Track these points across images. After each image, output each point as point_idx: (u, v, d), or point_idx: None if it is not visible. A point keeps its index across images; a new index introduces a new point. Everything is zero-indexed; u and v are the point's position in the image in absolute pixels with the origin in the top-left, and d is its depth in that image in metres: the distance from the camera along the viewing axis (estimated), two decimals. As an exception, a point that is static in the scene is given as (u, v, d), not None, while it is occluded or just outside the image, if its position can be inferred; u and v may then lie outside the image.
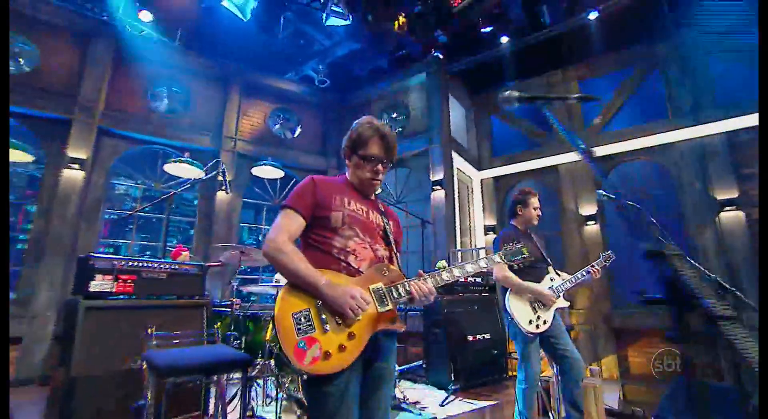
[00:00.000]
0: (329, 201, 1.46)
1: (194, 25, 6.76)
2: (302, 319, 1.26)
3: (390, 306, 1.37)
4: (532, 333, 2.68)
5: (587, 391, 3.77)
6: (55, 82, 5.18)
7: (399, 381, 4.07)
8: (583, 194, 6.20)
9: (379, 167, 1.53)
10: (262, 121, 6.87)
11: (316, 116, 7.49)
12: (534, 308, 2.75)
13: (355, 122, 1.60)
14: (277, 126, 6.96)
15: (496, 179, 7.17)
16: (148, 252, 6.61)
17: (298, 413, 2.79)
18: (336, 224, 1.43)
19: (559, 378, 2.96)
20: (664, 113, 5.90)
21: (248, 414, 2.80)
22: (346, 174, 1.64)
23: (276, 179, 6.53)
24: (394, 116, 6.89)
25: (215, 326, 2.85)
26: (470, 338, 3.95)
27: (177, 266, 3.25)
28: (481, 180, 7.20)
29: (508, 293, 2.80)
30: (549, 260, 3.04)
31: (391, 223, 1.62)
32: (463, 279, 4.26)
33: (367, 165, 1.53)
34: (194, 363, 1.73)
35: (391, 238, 1.57)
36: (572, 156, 6.33)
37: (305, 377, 1.34)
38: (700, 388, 1.94)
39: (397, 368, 3.78)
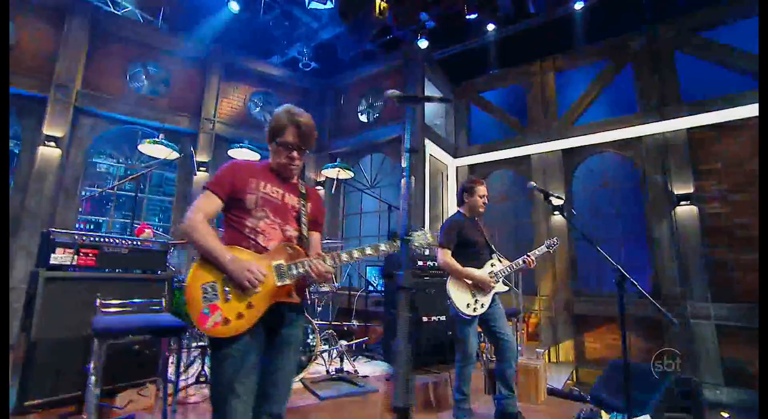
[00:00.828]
0: (245, 184, 1.59)
1: (176, 4, 6.76)
2: (209, 289, 1.43)
3: (288, 281, 1.52)
4: (469, 316, 2.87)
5: (528, 371, 4.03)
6: (30, 59, 5.23)
7: (356, 357, 4.31)
8: (552, 185, 6.38)
9: (294, 153, 1.63)
10: (242, 103, 6.94)
11: (297, 100, 7.55)
12: (473, 293, 2.94)
13: (276, 109, 1.71)
14: (257, 109, 7.03)
15: (472, 167, 7.32)
16: (128, 230, 6.75)
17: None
18: (250, 205, 1.57)
19: (495, 358, 3.20)
20: (634, 106, 6.03)
21: (201, 378, 3.01)
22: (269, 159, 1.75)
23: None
24: (372, 101, 6.97)
25: (162, 296, 3.03)
26: (425, 319, 4.15)
27: (139, 243, 3.43)
28: (457, 168, 7.35)
29: (449, 277, 2.99)
30: (492, 247, 3.21)
31: (309, 204, 1.76)
32: (422, 264, 4.46)
33: (283, 151, 1.64)
34: (129, 327, 1.92)
35: (304, 219, 1.72)
36: (546, 146, 6.48)
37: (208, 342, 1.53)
38: (628, 370, 2.15)
39: (348, 343, 4.00)
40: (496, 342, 2.95)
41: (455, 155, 7.34)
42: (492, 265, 3.05)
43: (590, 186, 6.38)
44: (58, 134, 5.19)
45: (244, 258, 1.48)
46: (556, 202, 3.16)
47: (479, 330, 3.04)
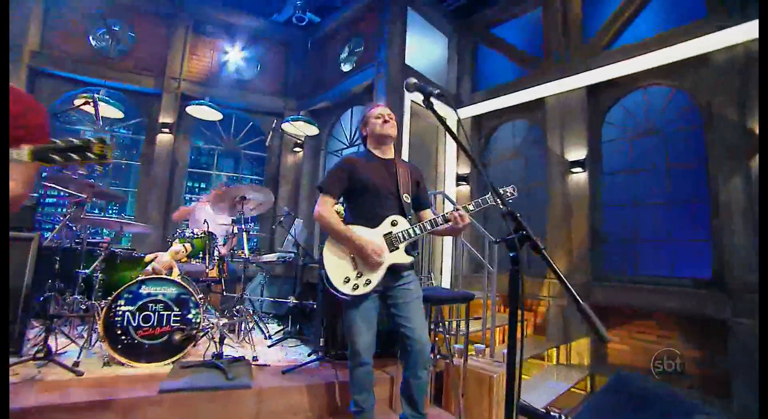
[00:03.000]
0: None
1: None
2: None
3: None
4: (348, 296, 1.90)
5: (480, 380, 2.89)
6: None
7: (283, 340, 3.53)
8: (572, 134, 4.81)
9: None
10: (214, 60, 6.36)
11: (277, 53, 6.78)
12: (354, 263, 1.94)
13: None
14: (233, 66, 6.40)
15: (477, 119, 5.94)
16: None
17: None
18: None
19: (399, 362, 2.18)
20: (698, 10, 4.14)
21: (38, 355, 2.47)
22: None
23: (222, 122, 6.07)
24: (351, 46, 5.92)
25: None
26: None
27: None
28: (458, 121, 6.00)
29: (327, 238, 2.04)
30: (410, 197, 2.14)
31: None
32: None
33: None
34: None
35: None
36: (565, 84, 4.89)
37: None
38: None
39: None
40: (400, 339, 1.99)
41: (457, 105, 6.01)
42: (393, 224, 2.00)
43: (627, 134, 4.67)
44: None
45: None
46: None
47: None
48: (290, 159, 6.51)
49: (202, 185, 6.58)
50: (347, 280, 1.91)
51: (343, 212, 2.23)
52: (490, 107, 5.69)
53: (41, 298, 3.20)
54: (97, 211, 6.03)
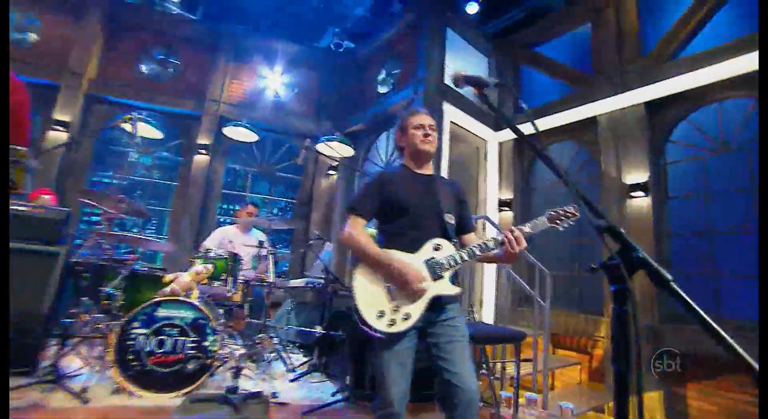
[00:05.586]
0: None
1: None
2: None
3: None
4: (382, 333, 1.56)
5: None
6: (46, 48, 5.52)
7: (308, 374, 3.21)
8: (630, 155, 4.32)
9: None
10: (252, 84, 6.49)
11: (313, 77, 6.83)
12: (390, 294, 1.61)
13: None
14: (269, 90, 6.50)
15: (518, 141, 5.57)
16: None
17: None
18: None
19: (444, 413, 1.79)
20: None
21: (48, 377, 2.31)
22: None
23: (258, 144, 6.09)
24: (388, 68, 5.83)
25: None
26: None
27: (25, 208, 2.96)
28: (500, 144, 5.68)
29: (357, 264, 1.74)
30: (452, 217, 1.83)
31: None
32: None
33: None
34: None
35: None
36: (620, 100, 4.47)
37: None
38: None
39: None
40: (442, 387, 1.59)
41: (497, 127, 5.69)
42: (436, 248, 1.67)
43: (694, 153, 4.12)
44: (68, 118, 5.34)
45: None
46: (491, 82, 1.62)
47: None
48: (324, 182, 6.39)
49: (236, 207, 6.56)
50: (381, 314, 1.57)
51: (376, 236, 1.92)
52: (533, 130, 5.31)
53: (65, 315, 3.10)
54: (135, 229, 6.13)
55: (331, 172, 6.34)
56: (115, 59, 5.90)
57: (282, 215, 6.70)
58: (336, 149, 4.61)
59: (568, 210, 1.77)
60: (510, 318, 4.56)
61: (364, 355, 2.94)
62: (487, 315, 4.82)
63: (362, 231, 1.72)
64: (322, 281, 3.95)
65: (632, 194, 4.15)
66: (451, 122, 4.91)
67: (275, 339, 3.69)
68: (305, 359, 3.72)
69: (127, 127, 4.04)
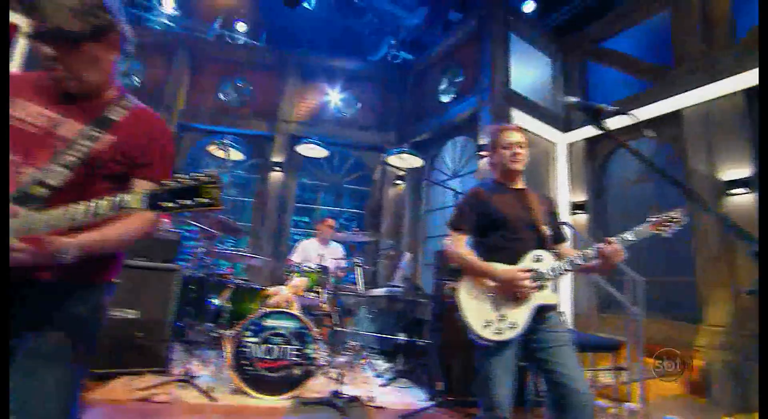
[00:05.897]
0: None
1: (261, 20, 7.30)
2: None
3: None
4: (488, 341, 1.66)
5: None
6: (146, 88, 6.27)
7: (393, 380, 3.35)
8: (725, 149, 4.00)
9: None
10: (318, 102, 6.87)
11: (374, 90, 7.07)
12: (495, 303, 1.72)
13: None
14: (334, 106, 6.84)
15: (590, 141, 5.35)
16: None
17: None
18: None
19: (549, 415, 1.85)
20: None
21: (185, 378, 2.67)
22: None
23: (326, 158, 6.42)
24: (450, 77, 5.89)
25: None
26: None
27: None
28: (569, 145, 5.50)
29: (462, 277, 1.87)
30: (547, 231, 1.90)
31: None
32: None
33: None
34: None
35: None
36: (711, 90, 4.17)
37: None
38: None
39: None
40: (553, 389, 1.64)
41: (565, 128, 5.53)
42: (537, 259, 1.74)
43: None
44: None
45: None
46: (648, 134, 2.48)
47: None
48: (391, 192, 6.58)
49: (306, 219, 6.94)
50: (488, 324, 1.66)
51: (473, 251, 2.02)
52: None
53: (179, 324, 3.51)
54: (218, 244, 6.70)
55: (398, 182, 6.51)
56: (199, 91, 6.55)
57: (348, 225, 7.00)
58: (406, 161, 4.76)
59: (672, 216, 1.76)
60: (593, 325, 4.39)
61: (454, 361, 3.03)
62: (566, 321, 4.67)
63: (464, 246, 1.83)
64: (401, 289, 4.09)
65: (730, 191, 3.84)
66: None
67: (361, 345, 3.88)
68: (388, 365, 3.87)
69: (219, 153, 4.51)
